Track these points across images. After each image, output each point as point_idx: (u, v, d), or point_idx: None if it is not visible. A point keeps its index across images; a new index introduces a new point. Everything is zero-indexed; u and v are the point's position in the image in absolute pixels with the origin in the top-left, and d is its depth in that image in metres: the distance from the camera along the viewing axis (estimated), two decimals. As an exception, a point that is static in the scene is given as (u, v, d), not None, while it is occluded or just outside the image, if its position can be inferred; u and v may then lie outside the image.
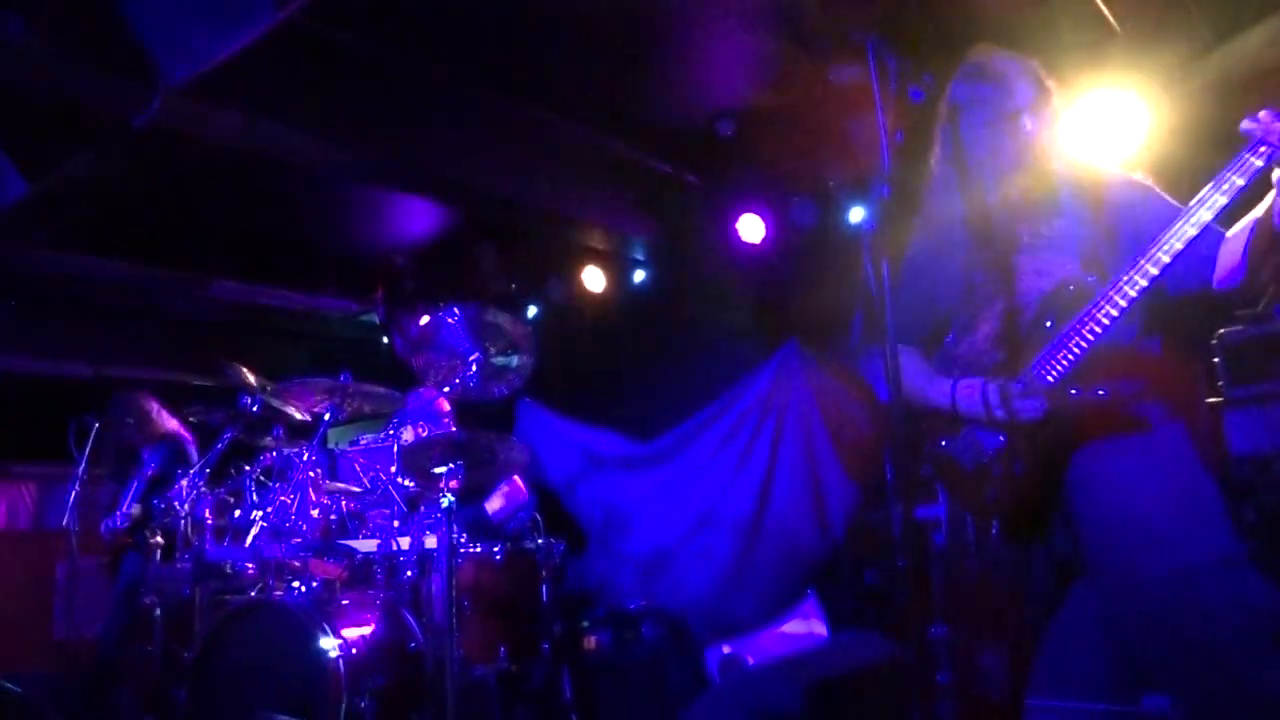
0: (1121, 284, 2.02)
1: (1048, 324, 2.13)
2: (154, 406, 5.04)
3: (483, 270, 6.33)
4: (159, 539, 4.09)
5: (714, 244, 5.56)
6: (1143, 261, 2.00)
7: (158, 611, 3.84)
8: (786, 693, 2.95)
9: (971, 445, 2.23)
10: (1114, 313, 2.02)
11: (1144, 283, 2.00)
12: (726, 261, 5.59)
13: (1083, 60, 3.62)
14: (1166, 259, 1.98)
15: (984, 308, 2.30)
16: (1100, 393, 2.06)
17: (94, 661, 4.52)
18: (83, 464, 4.75)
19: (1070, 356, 2.07)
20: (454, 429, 4.28)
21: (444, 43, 4.23)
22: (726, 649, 4.32)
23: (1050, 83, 2.28)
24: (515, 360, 3.72)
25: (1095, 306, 2.05)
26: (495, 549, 3.66)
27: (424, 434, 4.22)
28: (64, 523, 4.79)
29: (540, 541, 3.91)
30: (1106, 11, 3.70)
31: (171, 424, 5.03)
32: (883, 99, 2.09)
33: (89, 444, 4.76)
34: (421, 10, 3.95)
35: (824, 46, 4.16)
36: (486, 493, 4.36)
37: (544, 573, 3.75)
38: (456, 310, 3.55)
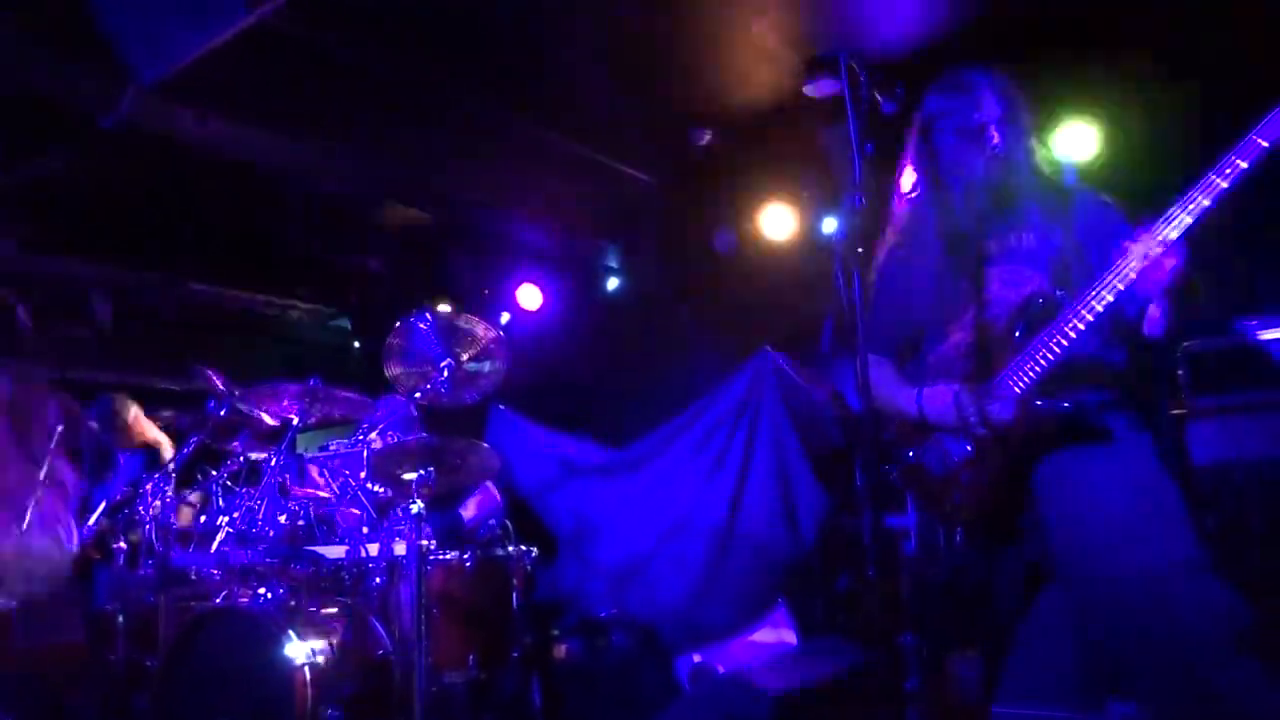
0: (1089, 299, 2.07)
1: (1016, 335, 2.17)
2: (134, 412, 4.98)
3: (455, 275, 6.31)
4: (122, 544, 4.02)
5: (688, 252, 5.59)
6: (1109, 278, 2.05)
7: (120, 618, 3.77)
8: (756, 701, 2.96)
9: (939, 453, 2.26)
10: (1080, 326, 2.07)
11: (1110, 298, 2.04)
12: (700, 270, 5.61)
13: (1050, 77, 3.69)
14: (1121, 286, 2.04)
15: (954, 318, 2.33)
16: (1065, 405, 2.11)
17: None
18: (44, 468, 4.66)
19: (1038, 368, 2.12)
20: (422, 435, 4.25)
21: (420, 48, 4.22)
22: (697, 658, 4.33)
23: (1021, 97, 2.32)
24: (487, 366, 3.70)
25: (1063, 320, 2.09)
26: (465, 556, 3.64)
27: (393, 440, 4.19)
28: (24, 525, 4.69)
29: (511, 548, 3.89)
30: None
31: (151, 431, 4.97)
32: (855, 111, 2.12)
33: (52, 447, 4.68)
34: (397, 15, 3.95)
35: (799, 59, 4.20)
36: (460, 499, 4.33)
37: (515, 580, 3.73)
38: (428, 316, 3.53)
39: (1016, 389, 2.14)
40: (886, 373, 2.43)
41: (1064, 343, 2.09)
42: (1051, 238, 2.26)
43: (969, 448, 2.22)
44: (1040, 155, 2.34)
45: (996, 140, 2.26)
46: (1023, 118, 2.30)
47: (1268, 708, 1.87)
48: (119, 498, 4.52)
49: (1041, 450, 2.14)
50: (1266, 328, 3.45)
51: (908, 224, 2.44)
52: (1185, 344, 3.56)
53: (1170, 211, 2.00)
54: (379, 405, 4.31)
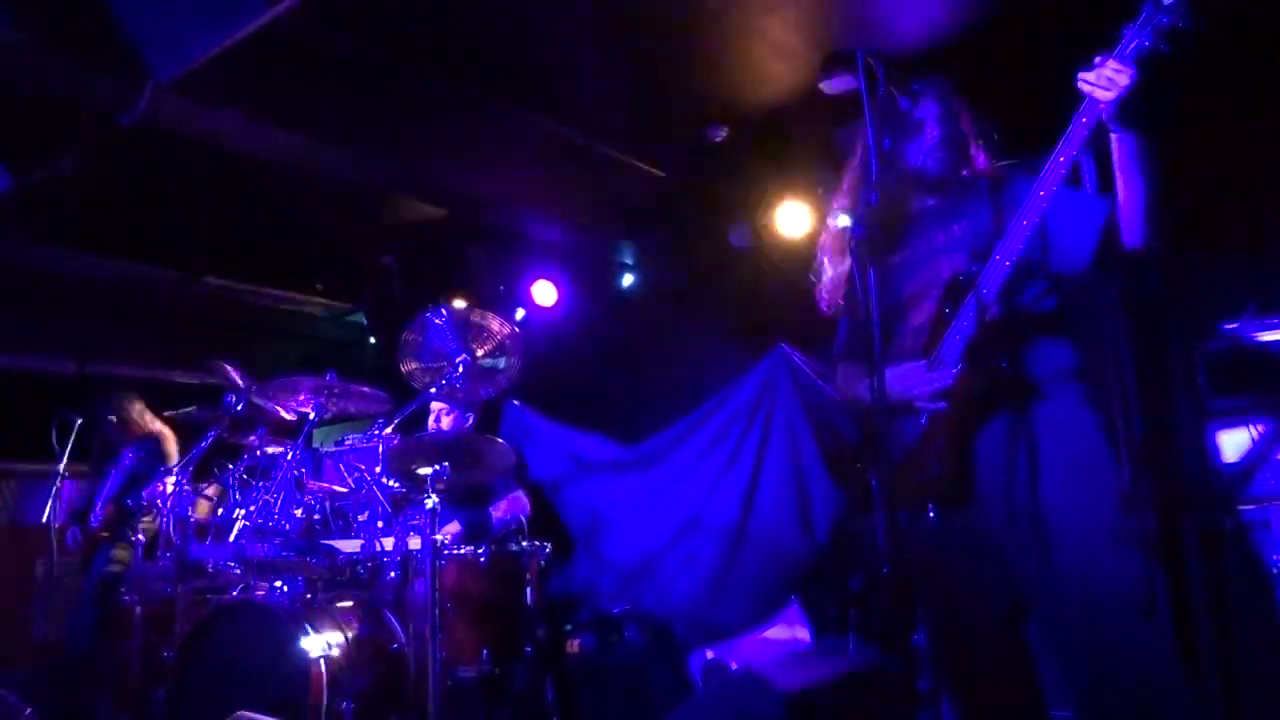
0: (1001, 253, 2.19)
1: (946, 311, 2.28)
2: (137, 406, 5.03)
3: (470, 271, 6.32)
4: (141, 536, 4.07)
5: (702, 249, 5.58)
6: (1006, 243, 2.18)
7: (138, 610, 3.81)
8: (768, 699, 2.95)
9: (899, 437, 2.33)
10: (990, 289, 2.19)
11: (1008, 265, 2.17)
12: (715, 266, 5.60)
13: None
14: (1019, 245, 2.16)
15: (909, 311, 2.44)
16: (1003, 364, 2.20)
17: (64, 658, 4.50)
18: (64, 461, 4.72)
19: (964, 335, 2.21)
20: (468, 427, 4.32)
21: (435, 45, 4.22)
22: (709, 654, 4.33)
23: (960, 100, 2.47)
24: (503, 362, 3.71)
25: (978, 288, 2.21)
26: (480, 551, 3.66)
27: (467, 422, 4.26)
28: (44, 519, 4.75)
29: (525, 544, 3.91)
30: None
31: (154, 424, 5.01)
32: (872, 108, 2.11)
33: (71, 440, 4.73)
34: (412, 12, 3.95)
35: (815, 55, 4.18)
36: (493, 499, 4.37)
37: (528, 575, 3.75)
38: (444, 312, 3.54)
39: (951, 355, 2.23)
40: (859, 376, 2.51)
41: (978, 306, 2.19)
42: (986, 222, 2.35)
43: (923, 421, 2.29)
44: (984, 147, 2.47)
45: (935, 135, 2.41)
46: (962, 116, 2.45)
47: (1164, 668, 2.00)
48: (119, 486, 4.58)
49: (978, 416, 2.23)
50: (1266, 329, 3.43)
51: (869, 227, 2.54)
52: (1204, 343, 3.53)
53: (1043, 172, 2.14)
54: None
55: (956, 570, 2.29)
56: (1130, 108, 2.03)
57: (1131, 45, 2.01)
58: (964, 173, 2.46)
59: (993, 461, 2.20)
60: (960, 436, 2.23)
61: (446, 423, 4.42)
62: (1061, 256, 2.25)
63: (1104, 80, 2.02)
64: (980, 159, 2.47)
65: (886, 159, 2.22)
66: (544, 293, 6.22)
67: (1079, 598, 2.03)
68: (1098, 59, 2.04)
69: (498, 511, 4.35)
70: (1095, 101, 2.05)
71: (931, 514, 2.25)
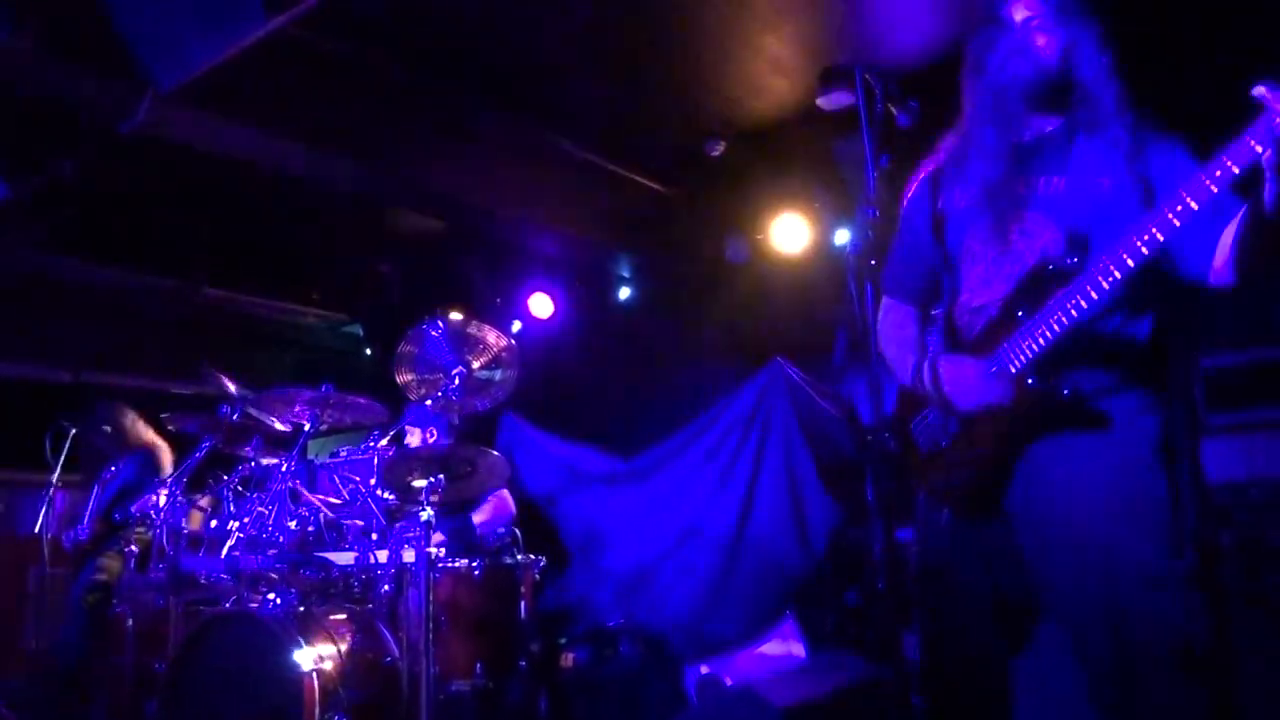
0: (1096, 271, 1.85)
1: (1019, 313, 1.97)
2: (130, 416, 5.00)
3: (468, 283, 6.33)
4: (134, 547, 4.04)
5: (700, 262, 5.58)
6: (1121, 250, 1.82)
7: (130, 622, 3.78)
8: (764, 714, 2.94)
9: (930, 429, 2.14)
10: (1084, 304, 1.87)
11: (1118, 275, 1.82)
12: (712, 280, 5.61)
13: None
14: (1144, 250, 1.79)
15: (968, 269, 2.13)
16: (1064, 392, 1.92)
17: (54, 668, 4.46)
18: (57, 470, 4.69)
19: (1036, 345, 1.92)
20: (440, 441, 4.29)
21: (435, 56, 4.24)
22: (704, 669, 4.31)
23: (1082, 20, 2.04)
24: (499, 374, 3.71)
25: (1068, 294, 1.89)
26: (474, 564, 3.64)
27: (432, 439, 4.24)
28: (37, 529, 4.72)
29: (519, 557, 3.89)
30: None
31: (147, 434, 4.98)
32: (869, 123, 2.10)
33: (65, 450, 4.71)
34: (412, 23, 3.97)
35: (813, 71, 4.20)
36: (475, 504, 4.34)
37: (523, 589, 3.73)
38: (440, 323, 3.53)
39: (1012, 368, 1.96)
40: (901, 323, 2.30)
41: (1065, 319, 1.88)
42: (1095, 183, 1.96)
43: (957, 426, 2.08)
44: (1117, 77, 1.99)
45: (1043, 44, 2.00)
46: (1087, 27, 2.00)
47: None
48: (109, 500, 4.55)
49: (1031, 434, 1.97)
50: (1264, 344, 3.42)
51: (951, 154, 2.22)
52: (1201, 359, 3.53)
53: (1196, 178, 1.72)
54: (408, 411, 4.34)
55: (958, 580, 2.09)
56: None
57: None
58: (1072, 97, 2.01)
59: (1031, 484, 1.98)
60: (995, 457, 2.01)
61: (415, 438, 4.37)
62: (1179, 260, 1.91)
63: None
64: (1107, 94, 1.99)
65: (882, 173, 2.12)
66: (541, 305, 6.22)
67: (1111, 639, 1.82)
68: None
69: (481, 516, 4.32)
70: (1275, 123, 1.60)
71: (945, 519, 2.08)
